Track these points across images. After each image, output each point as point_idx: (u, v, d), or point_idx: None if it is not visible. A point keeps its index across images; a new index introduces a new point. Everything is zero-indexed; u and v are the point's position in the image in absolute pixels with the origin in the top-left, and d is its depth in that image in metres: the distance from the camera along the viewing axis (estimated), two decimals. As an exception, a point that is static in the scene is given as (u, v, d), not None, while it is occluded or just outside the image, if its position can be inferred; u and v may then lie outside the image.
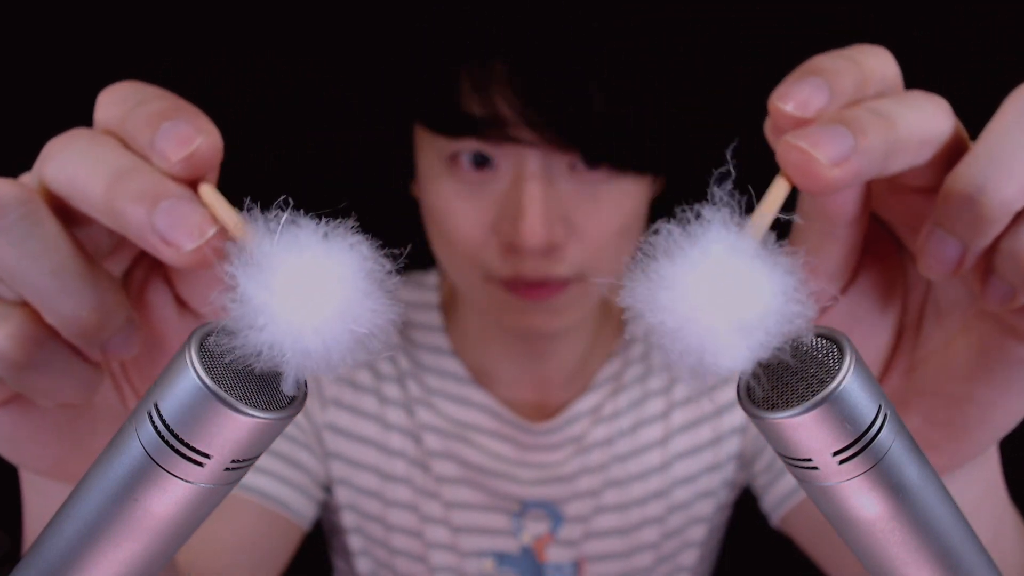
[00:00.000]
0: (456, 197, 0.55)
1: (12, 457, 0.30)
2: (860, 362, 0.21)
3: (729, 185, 0.21)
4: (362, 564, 0.68)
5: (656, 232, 0.21)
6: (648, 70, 0.55)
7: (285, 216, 0.22)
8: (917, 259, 0.26)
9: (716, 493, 0.68)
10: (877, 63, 0.25)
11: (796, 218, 0.26)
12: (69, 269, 0.24)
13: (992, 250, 0.24)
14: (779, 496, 0.64)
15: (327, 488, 0.67)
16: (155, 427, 0.21)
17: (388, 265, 0.22)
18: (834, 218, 0.27)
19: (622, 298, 0.22)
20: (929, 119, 0.24)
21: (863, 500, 0.22)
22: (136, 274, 0.30)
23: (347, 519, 0.67)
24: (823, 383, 0.21)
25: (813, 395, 0.21)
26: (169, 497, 0.22)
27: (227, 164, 0.26)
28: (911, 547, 0.23)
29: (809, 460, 0.22)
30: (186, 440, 0.21)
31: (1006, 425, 0.29)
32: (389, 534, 0.66)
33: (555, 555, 0.66)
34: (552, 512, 0.66)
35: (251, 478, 0.60)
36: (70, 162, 0.24)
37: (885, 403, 0.22)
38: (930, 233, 0.25)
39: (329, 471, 0.66)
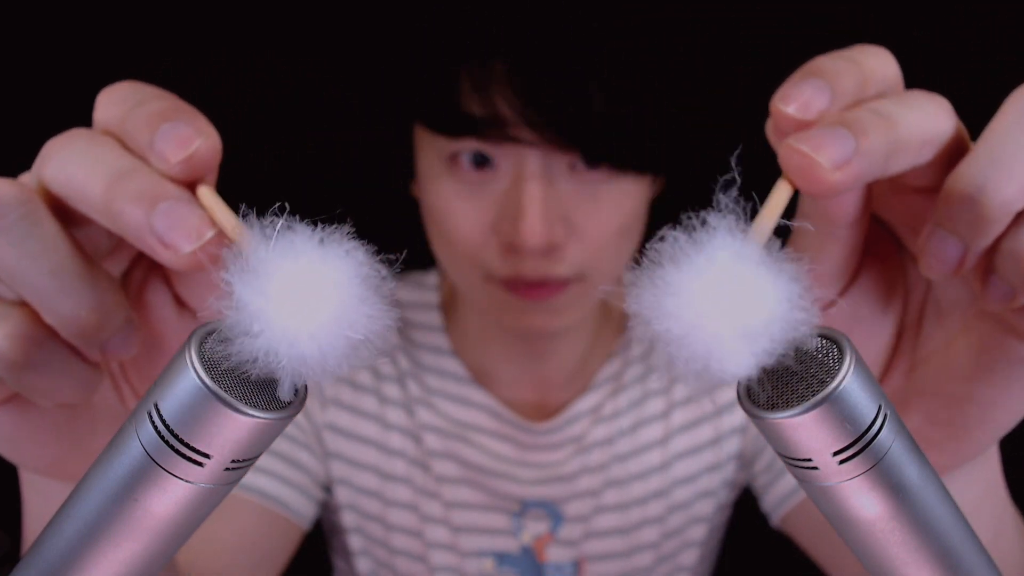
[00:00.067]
0: (456, 197, 0.55)
1: (11, 456, 0.30)
2: (860, 362, 0.21)
3: (734, 191, 0.21)
4: (362, 564, 0.68)
5: (662, 239, 0.21)
6: (648, 70, 0.55)
7: (281, 222, 0.22)
8: (918, 259, 0.26)
9: (716, 493, 0.68)
10: (877, 63, 0.25)
11: (798, 223, 0.26)
12: (68, 269, 0.24)
13: (993, 250, 0.24)
14: (779, 496, 0.64)
15: (327, 488, 0.67)
16: (155, 427, 0.21)
17: (384, 270, 0.22)
18: (835, 220, 0.27)
19: (628, 304, 0.22)
20: (930, 119, 0.24)
21: (863, 500, 0.22)
22: (135, 274, 0.30)
23: (347, 519, 0.67)
24: (823, 383, 0.21)
25: (813, 395, 0.21)
26: (169, 497, 0.22)
27: (227, 165, 0.26)
28: (911, 547, 0.23)
29: (809, 460, 0.22)
30: (186, 440, 0.21)
31: (1006, 424, 0.29)
32: (389, 534, 0.66)
33: (555, 555, 0.66)
34: (552, 512, 0.66)
35: (251, 478, 0.60)
36: (69, 162, 0.24)
37: (885, 403, 0.22)
38: (931, 233, 0.25)
39: (329, 471, 0.66)
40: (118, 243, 0.28)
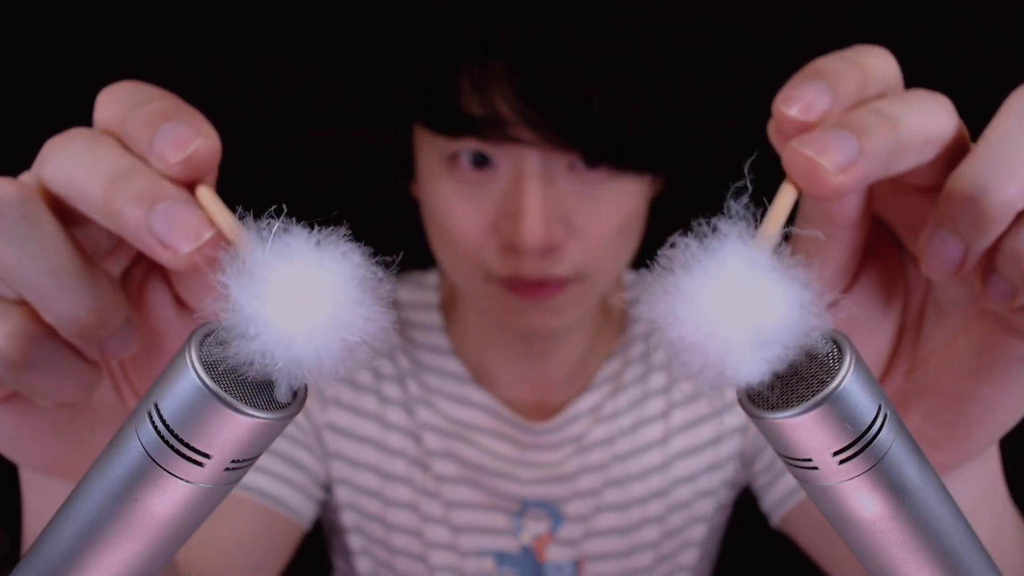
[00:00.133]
0: (456, 197, 0.55)
1: (11, 455, 0.30)
2: (860, 362, 0.21)
3: (744, 197, 0.21)
4: (362, 564, 0.68)
5: (673, 245, 0.21)
6: (648, 70, 0.55)
7: (277, 224, 0.22)
8: (919, 259, 0.26)
9: (716, 492, 0.68)
10: (878, 63, 0.25)
11: (807, 232, 0.26)
12: (68, 269, 0.24)
13: (993, 249, 0.24)
14: (779, 496, 0.64)
15: (327, 488, 0.67)
16: (155, 427, 0.21)
17: (380, 272, 0.22)
18: (837, 221, 0.27)
19: (637, 309, 0.22)
20: (932, 118, 0.24)
21: (863, 500, 0.22)
22: (135, 274, 0.30)
23: (347, 518, 0.67)
24: (823, 383, 0.21)
25: (813, 395, 0.21)
26: (169, 497, 0.22)
27: (227, 165, 0.26)
28: (911, 547, 0.23)
29: (809, 460, 0.22)
30: (186, 440, 0.21)
31: (1007, 423, 0.29)
32: (389, 533, 0.66)
33: (555, 554, 0.66)
34: (552, 511, 0.66)
35: (251, 478, 0.60)
36: (69, 162, 0.24)
37: (885, 403, 0.22)
38: (932, 233, 0.25)
39: (329, 471, 0.66)
40: (118, 243, 0.28)
